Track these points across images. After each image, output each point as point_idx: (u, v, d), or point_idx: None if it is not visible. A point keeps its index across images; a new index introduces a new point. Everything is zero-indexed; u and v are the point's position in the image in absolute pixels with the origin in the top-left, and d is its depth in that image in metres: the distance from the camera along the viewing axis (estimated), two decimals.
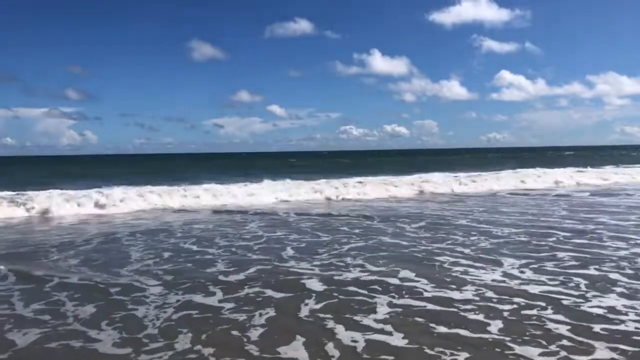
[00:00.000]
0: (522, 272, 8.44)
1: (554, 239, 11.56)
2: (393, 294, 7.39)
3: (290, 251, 10.92)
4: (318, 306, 6.97)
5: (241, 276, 8.81)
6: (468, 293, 7.29)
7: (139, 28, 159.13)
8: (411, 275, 8.48)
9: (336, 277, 8.53)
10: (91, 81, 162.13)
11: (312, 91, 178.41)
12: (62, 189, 24.12)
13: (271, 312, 6.78)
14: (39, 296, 7.81)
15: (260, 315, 6.67)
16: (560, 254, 9.76)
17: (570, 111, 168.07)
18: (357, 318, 6.42)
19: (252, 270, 9.24)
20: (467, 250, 10.43)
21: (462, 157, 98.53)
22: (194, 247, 11.63)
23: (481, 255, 9.88)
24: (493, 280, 7.96)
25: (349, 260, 9.87)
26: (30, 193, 21.17)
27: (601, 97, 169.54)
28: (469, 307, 6.69)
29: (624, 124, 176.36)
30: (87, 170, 59.97)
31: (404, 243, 11.51)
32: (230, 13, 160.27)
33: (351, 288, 7.81)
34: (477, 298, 7.06)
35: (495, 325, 5.95)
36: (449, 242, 11.52)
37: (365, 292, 7.57)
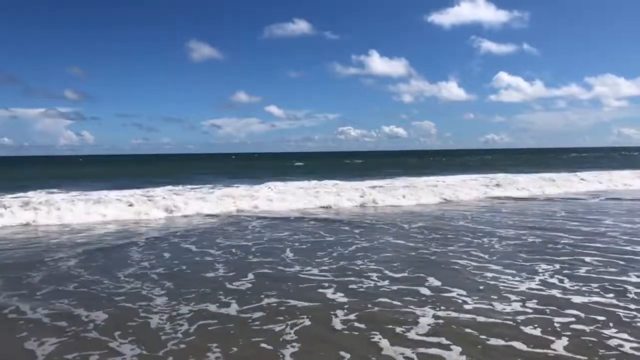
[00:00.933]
0: (559, 279, 7.77)
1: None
2: (430, 304, 6.68)
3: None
4: (351, 316, 6.24)
5: (251, 283, 8.10)
6: (514, 304, 6.65)
7: (137, 29, 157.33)
8: (437, 282, 7.83)
9: (364, 285, 7.83)
10: (89, 82, 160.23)
11: (310, 92, 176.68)
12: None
13: (301, 324, 6.10)
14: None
15: (292, 327, 5.92)
16: (587, 259, 9.14)
17: (568, 112, 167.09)
18: (399, 330, 5.74)
19: (266, 275, 8.51)
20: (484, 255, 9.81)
21: (478, 158, 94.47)
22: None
23: (505, 261, 9.24)
24: (531, 289, 7.32)
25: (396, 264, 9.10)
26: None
27: (599, 98, 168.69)
28: (519, 319, 6.10)
29: (621, 126, 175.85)
30: (94, 171, 56.13)
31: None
32: (229, 14, 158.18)
33: (382, 299, 7.08)
34: (524, 309, 6.46)
35: (559, 342, 5.34)
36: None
37: (398, 303, 6.82)
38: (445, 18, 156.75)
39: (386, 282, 7.89)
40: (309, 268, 8.97)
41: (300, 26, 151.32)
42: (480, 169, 46.41)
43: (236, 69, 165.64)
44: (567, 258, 9.24)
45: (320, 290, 7.52)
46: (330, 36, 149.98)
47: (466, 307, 6.58)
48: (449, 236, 11.90)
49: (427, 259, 9.53)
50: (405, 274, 8.37)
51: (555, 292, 7.09)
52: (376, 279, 8.12)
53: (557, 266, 8.62)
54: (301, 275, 8.46)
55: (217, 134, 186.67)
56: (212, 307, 6.75)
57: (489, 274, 8.20)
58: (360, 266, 9.03)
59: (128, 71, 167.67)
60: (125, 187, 24.66)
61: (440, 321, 6.01)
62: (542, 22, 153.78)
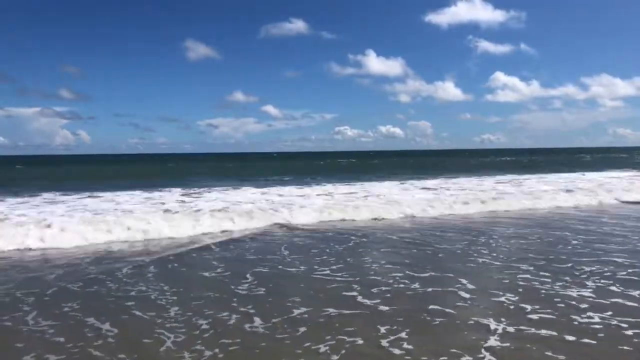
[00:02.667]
0: (613, 284, 6.64)
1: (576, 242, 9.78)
2: (489, 314, 5.45)
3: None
4: (403, 334, 4.95)
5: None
6: (591, 315, 5.42)
7: (133, 27, 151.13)
8: (471, 286, 6.65)
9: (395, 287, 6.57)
10: (85, 81, 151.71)
11: (307, 92, 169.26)
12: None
13: (347, 340, 4.78)
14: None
15: (336, 350, 4.62)
16: (618, 260, 8.02)
17: (563, 113, 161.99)
18: (468, 354, 4.41)
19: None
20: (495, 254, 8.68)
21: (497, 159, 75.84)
22: None
23: (531, 263, 8.11)
24: (585, 297, 6.10)
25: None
26: None
27: (595, 98, 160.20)
28: (616, 338, 4.78)
29: (616, 126, 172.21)
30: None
31: None
32: (226, 13, 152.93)
33: (433, 305, 5.81)
34: (616, 323, 5.15)
35: None
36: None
37: (451, 310, 5.58)
38: (442, 18, 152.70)
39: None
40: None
41: (297, 25, 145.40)
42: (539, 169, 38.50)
43: (233, 68, 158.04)
44: (590, 259, 8.10)
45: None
46: (327, 36, 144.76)
47: (531, 317, 5.36)
48: None
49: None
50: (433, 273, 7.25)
51: (628, 302, 5.84)
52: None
53: (594, 268, 7.45)
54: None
55: (214, 133, 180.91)
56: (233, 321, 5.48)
57: (524, 276, 7.07)
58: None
59: (124, 70, 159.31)
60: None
61: (509, 340, 4.76)
62: (538, 22, 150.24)
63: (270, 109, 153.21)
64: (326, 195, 17.81)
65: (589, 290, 6.37)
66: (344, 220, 12.97)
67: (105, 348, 4.72)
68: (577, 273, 7.21)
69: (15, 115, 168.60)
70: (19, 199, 16.65)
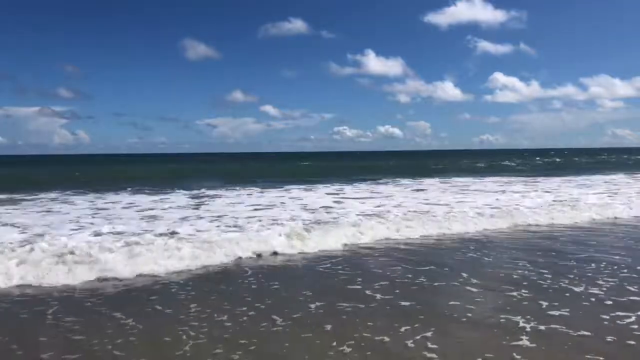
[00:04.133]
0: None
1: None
2: (507, 310, 5.08)
3: None
4: (429, 333, 4.52)
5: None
6: (619, 314, 4.95)
7: (132, 27, 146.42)
8: (476, 280, 6.30)
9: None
10: (84, 80, 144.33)
11: (306, 92, 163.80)
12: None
13: (377, 341, 4.33)
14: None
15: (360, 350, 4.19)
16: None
17: (563, 113, 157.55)
18: (502, 351, 3.99)
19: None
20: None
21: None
22: None
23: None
24: (601, 295, 5.65)
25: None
26: None
27: (594, 99, 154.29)
28: None
29: (615, 127, 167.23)
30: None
31: None
32: (225, 12, 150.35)
33: (453, 302, 5.44)
34: None
35: None
36: None
37: (472, 307, 5.17)
38: (442, 18, 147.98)
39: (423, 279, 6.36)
40: None
41: (296, 25, 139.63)
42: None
43: (232, 68, 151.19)
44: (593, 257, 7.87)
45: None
46: (326, 35, 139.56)
47: (552, 313, 4.96)
48: None
49: None
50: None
51: None
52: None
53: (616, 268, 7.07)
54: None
55: (213, 133, 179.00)
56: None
57: (530, 274, 6.61)
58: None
59: (123, 69, 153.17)
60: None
61: (544, 339, 4.31)
62: (539, 22, 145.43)
63: (269, 108, 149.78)
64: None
65: (602, 290, 5.85)
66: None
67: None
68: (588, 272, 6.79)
69: (14, 114, 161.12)
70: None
